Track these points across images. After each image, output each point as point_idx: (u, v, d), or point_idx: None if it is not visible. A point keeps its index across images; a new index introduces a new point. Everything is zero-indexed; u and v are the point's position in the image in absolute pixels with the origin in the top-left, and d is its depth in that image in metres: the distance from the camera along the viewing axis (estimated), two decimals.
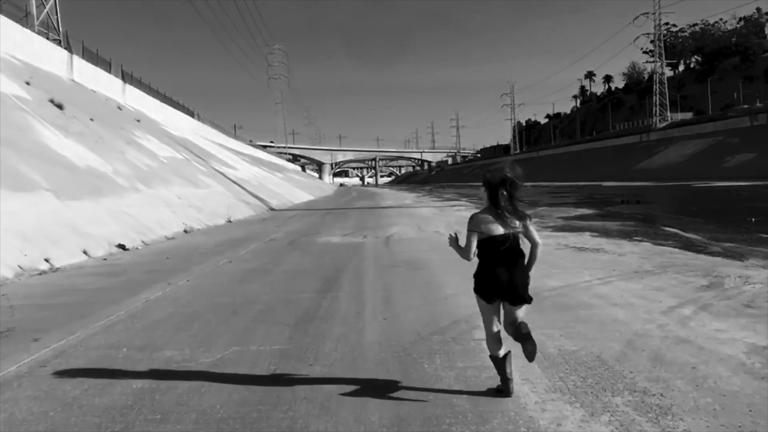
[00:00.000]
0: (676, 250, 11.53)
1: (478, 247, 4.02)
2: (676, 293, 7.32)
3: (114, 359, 5.21)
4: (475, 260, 4.08)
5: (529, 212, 4.07)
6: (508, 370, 4.06)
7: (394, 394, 4.15)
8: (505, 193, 3.92)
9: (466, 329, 5.86)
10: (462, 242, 4.12)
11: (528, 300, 4.03)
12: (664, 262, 9.93)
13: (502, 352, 4.11)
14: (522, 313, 4.08)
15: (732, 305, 6.61)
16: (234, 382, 4.50)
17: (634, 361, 4.70)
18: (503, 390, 4.08)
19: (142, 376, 4.67)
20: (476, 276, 4.09)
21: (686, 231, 15.02)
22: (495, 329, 4.12)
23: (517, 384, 4.23)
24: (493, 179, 3.98)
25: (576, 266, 9.71)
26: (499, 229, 3.94)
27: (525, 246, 4.09)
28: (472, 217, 4.08)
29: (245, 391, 4.30)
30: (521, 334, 3.94)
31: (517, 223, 3.96)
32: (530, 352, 3.91)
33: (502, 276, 3.94)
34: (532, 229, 4.04)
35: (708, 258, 10.33)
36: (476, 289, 4.08)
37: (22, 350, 5.57)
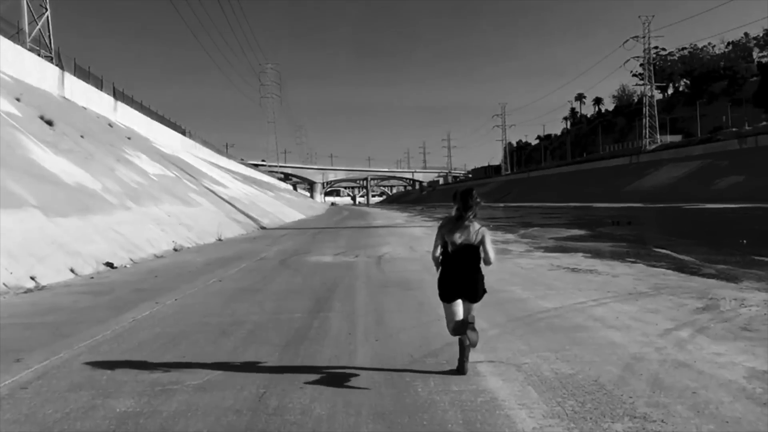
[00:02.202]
0: (670, 271, 11.47)
1: (441, 252, 4.93)
2: (672, 315, 7.23)
3: (98, 381, 5.04)
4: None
5: (485, 229, 4.85)
6: (466, 353, 4.93)
7: (387, 419, 4.02)
8: (464, 213, 4.77)
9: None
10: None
11: (480, 298, 4.93)
12: (658, 283, 9.86)
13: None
14: (476, 308, 4.98)
15: (729, 328, 6.52)
16: (221, 405, 4.35)
17: (632, 386, 4.59)
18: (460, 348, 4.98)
19: (127, 400, 4.51)
20: (438, 282, 4.97)
21: (679, 252, 14.98)
22: (456, 322, 4.87)
23: (514, 409, 4.13)
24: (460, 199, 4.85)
25: (569, 287, 9.61)
26: (455, 236, 4.79)
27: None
28: (440, 224, 4.97)
29: (232, 415, 4.15)
30: (467, 324, 4.75)
31: (473, 236, 4.76)
32: (473, 341, 4.76)
33: (460, 278, 4.83)
34: (489, 248, 4.82)
35: (702, 280, 10.26)
36: (440, 296, 4.96)
37: (3, 371, 5.40)
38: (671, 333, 6.33)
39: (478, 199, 4.85)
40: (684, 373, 4.91)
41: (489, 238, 4.84)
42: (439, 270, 5.00)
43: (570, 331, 6.55)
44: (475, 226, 4.80)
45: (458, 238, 4.78)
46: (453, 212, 4.87)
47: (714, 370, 4.95)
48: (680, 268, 11.99)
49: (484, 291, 4.99)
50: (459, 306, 4.89)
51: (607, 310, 7.70)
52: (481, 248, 4.82)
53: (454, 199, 4.88)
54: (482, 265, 4.92)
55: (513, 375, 4.94)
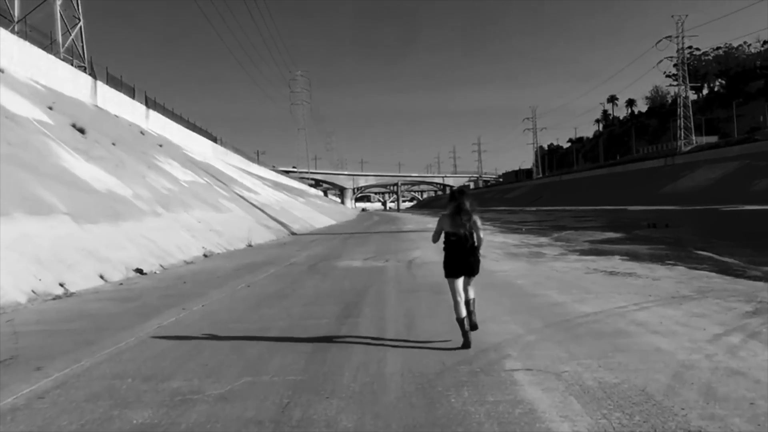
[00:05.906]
0: (713, 274, 10.98)
1: (444, 240, 6.10)
2: (719, 320, 6.83)
3: (117, 390, 4.85)
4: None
5: (477, 217, 6.00)
6: (466, 327, 5.93)
7: None
8: (460, 207, 5.92)
9: (495, 359, 5.44)
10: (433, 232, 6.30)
11: (477, 272, 6.14)
12: (702, 286, 9.41)
13: (463, 314, 5.96)
14: (472, 283, 6.16)
15: None
16: (242, 417, 4.11)
17: (683, 396, 4.24)
18: (465, 344, 5.86)
19: (145, 410, 4.31)
20: (444, 263, 6.08)
21: (721, 255, 14.41)
22: (460, 299, 5.99)
23: (555, 422, 3.82)
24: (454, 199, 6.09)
25: (608, 291, 9.22)
26: (451, 227, 5.97)
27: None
28: (440, 217, 6.19)
29: (254, 427, 3.91)
30: (470, 312, 6.07)
31: (467, 225, 5.91)
32: (473, 324, 6.06)
33: (461, 259, 5.97)
34: (480, 230, 6.03)
35: (749, 282, 9.78)
36: (446, 274, 6.06)
37: (22, 380, 5.25)
38: (721, 338, 5.94)
39: (469, 202, 5.99)
40: (739, 381, 4.55)
41: (479, 222, 6.04)
42: (444, 254, 6.08)
43: (611, 336, 6.20)
44: (470, 217, 5.92)
45: (458, 229, 5.93)
46: (449, 209, 6.05)
47: None
48: (724, 270, 11.48)
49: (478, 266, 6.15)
50: (460, 282, 6.03)
51: (650, 314, 7.31)
52: (474, 233, 5.98)
53: (451, 197, 6.11)
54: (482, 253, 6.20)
55: (553, 384, 4.62)
